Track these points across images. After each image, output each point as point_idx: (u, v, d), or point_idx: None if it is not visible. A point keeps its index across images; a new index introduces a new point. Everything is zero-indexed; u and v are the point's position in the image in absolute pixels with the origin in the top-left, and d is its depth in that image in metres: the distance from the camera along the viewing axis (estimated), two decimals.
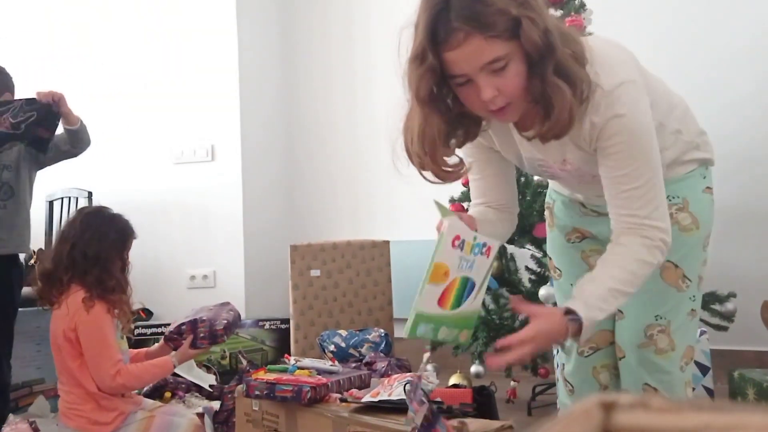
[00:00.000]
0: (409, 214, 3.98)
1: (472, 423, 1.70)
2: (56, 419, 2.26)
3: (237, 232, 3.98)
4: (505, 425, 1.73)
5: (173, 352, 2.23)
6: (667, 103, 1.47)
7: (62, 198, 3.72)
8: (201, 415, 2.48)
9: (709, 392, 2.58)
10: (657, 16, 3.47)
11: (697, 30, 3.40)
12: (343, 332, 3.06)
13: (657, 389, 1.51)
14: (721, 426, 0.34)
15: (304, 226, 4.28)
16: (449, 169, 1.38)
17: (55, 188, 3.86)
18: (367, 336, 3.02)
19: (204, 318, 2.32)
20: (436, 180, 1.40)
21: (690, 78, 3.33)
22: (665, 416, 0.36)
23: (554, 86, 1.23)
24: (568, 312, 1.30)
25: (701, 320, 2.80)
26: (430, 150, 1.34)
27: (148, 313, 3.90)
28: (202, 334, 2.26)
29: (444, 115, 1.32)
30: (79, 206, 3.57)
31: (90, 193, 3.60)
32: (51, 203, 3.84)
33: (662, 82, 1.52)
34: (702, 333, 2.61)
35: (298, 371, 2.07)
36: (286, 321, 3.46)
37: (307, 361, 2.26)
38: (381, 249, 3.45)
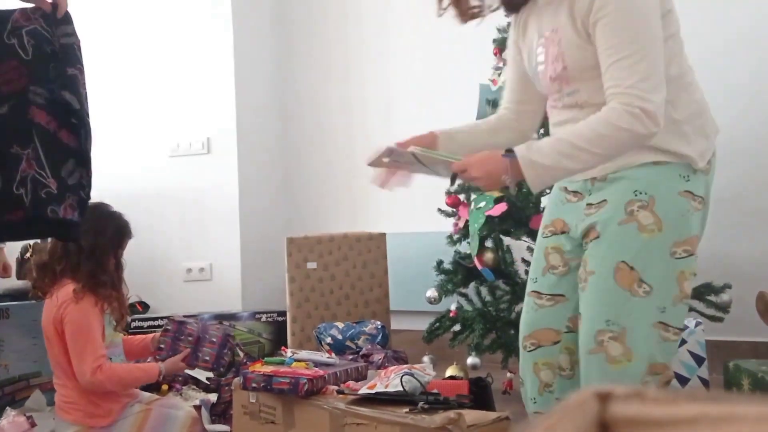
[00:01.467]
0: (406, 207, 3.98)
1: (469, 414, 1.71)
2: (53, 413, 2.26)
3: (233, 224, 3.98)
4: (502, 416, 1.74)
5: (162, 362, 2.19)
6: (673, 58, 1.42)
7: None
8: (198, 408, 2.49)
9: (705, 383, 2.59)
10: None
11: (693, 23, 3.39)
12: (340, 324, 3.06)
13: None
14: (716, 416, 0.34)
15: (300, 218, 4.28)
16: (474, 10, 1.51)
17: None
18: (364, 328, 3.03)
19: (211, 339, 2.27)
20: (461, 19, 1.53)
21: None
22: (661, 407, 0.36)
23: None
24: (508, 151, 1.38)
25: (696, 311, 2.81)
26: None
27: (145, 306, 3.90)
28: (207, 357, 2.23)
29: None
30: None
31: None
32: None
33: (687, 58, 1.49)
34: (697, 324, 2.62)
35: (295, 363, 2.07)
36: (283, 313, 3.46)
37: (303, 354, 2.26)
38: (377, 241, 3.45)
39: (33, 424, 2.44)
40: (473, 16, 1.49)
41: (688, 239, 1.42)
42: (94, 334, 2.06)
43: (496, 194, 2.88)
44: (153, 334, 2.33)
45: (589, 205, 1.48)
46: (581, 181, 1.51)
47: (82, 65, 1.78)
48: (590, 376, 1.44)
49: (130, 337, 2.38)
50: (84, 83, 1.76)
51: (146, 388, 2.61)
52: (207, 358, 2.21)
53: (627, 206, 1.41)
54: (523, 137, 1.63)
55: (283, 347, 2.91)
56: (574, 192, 1.55)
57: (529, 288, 1.61)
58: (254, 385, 2.02)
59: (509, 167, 1.36)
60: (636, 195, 1.40)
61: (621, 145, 1.35)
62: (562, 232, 1.58)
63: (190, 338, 2.22)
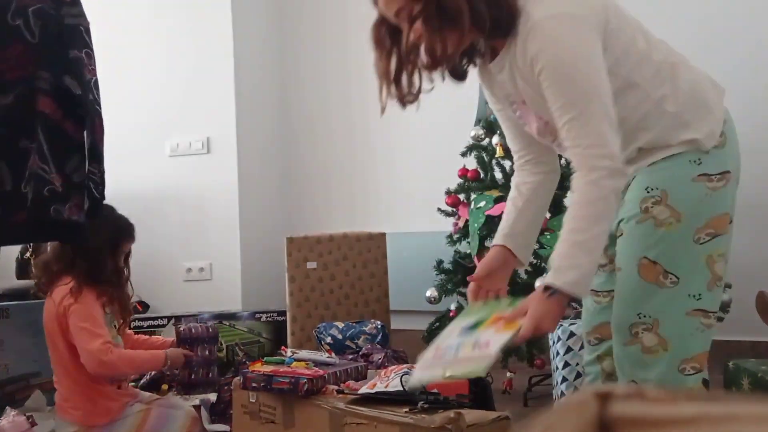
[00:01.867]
0: (406, 206, 3.98)
1: (469, 414, 1.71)
2: (53, 413, 2.26)
3: (233, 224, 3.98)
4: (502, 416, 1.74)
5: (169, 349, 2.23)
6: (641, 60, 1.41)
7: None
8: (198, 407, 2.49)
9: (704, 382, 2.59)
10: (655, 5, 3.46)
11: (692, 21, 3.39)
12: (340, 324, 3.06)
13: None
14: (716, 416, 0.34)
15: (300, 218, 4.28)
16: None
17: None
18: (364, 328, 3.03)
19: (209, 372, 2.35)
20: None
21: None
22: (661, 407, 0.36)
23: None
24: (546, 288, 1.37)
25: None
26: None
27: (145, 306, 3.89)
28: (194, 376, 2.28)
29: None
30: None
31: None
32: None
33: (661, 43, 1.46)
34: None
35: (294, 363, 2.07)
36: (283, 313, 3.46)
37: (303, 353, 2.26)
38: (377, 241, 3.45)
39: (33, 424, 2.44)
40: (413, 101, 1.50)
41: (711, 221, 1.43)
42: (99, 321, 2.07)
43: (496, 194, 2.88)
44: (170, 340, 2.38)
45: None
46: None
47: (90, 49, 1.58)
48: (627, 367, 1.47)
49: (135, 336, 2.39)
50: (92, 68, 1.57)
51: (146, 387, 2.62)
52: (194, 377, 2.26)
53: (641, 204, 1.43)
54: (556, 170, 1.64)
55: (282, 347, 2.91)
56: None
57: None
58: (254, 384, 2.02)
59: (561, 299, 1.38)
60: (648, 192, 1.42)
61: (612, 206, 1.38)
62: None
63: (206, 353, 2.27)
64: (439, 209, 3.16)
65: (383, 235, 3.48)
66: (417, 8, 1.38)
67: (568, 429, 0.37)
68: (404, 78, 1.46)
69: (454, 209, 3.10)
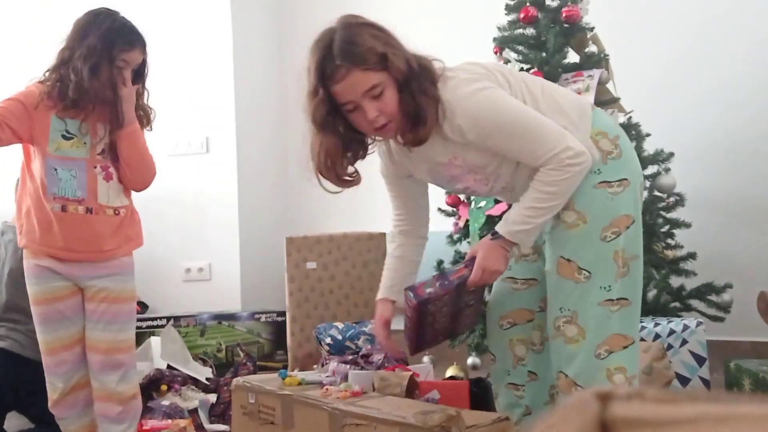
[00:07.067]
0: None
1: (469, 415, 1.70)
2: None
3: (232, 224, 3.97)
4: (502, 417, 1.74)
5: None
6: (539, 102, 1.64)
7: None
8: (195, 410, 2.49)
9: (705, 383, 2.59)
10: (651, 5, 3.46)
11: (689, 17, 3.39)
12: (340, 324, 3.06)
13: (568, 375, 1.62)
14: (716, 416, 0.34)
15: (300, 218, 4.28)
16: (348, 178, 1.77)
17: None
18: (364, 328, 3.02)
19: None
20: (336, 189, 1.80)
21: (684, 68, 3.33)
22: (662, 407, 0.36)
23: (422, 102, 1.59)
24: (493, 234, 1.65)
25: (697, 311, 2.81)
26: (331, 163, 1.71)
27: (144, 306, 3.89)
28: None
29: (337, 136, 1.68)
30: None
31: None
32: None
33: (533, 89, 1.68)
34: (698, 324, 2.62)
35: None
36: (282, 313, 3.46)
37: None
38: (377, 241, 3.45)
39: None
40: (353, 183, 1.79)
41: (614, 221, 1.62)
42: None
43: None
44: None
45: None
46: None
47: None
48: (556, 357, 1.66)
49: None
50: None
51: (145, 388, 2.61)
52: None
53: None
54: (424, 237, 1.94)
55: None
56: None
57: (503, 275, 1.81)
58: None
59: (504, 243, 1.65)
60: None
61: (566, 187, 1.59)
62: None
63: None
64: (439, 209, 3.16)
65: (383, 235, 3.48)
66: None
67: (569, 429, 0.37)
68: (346, 160, 1.79)
69: (455, 209, 3.10)
